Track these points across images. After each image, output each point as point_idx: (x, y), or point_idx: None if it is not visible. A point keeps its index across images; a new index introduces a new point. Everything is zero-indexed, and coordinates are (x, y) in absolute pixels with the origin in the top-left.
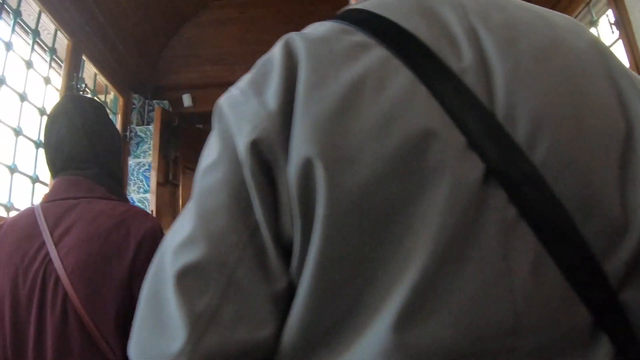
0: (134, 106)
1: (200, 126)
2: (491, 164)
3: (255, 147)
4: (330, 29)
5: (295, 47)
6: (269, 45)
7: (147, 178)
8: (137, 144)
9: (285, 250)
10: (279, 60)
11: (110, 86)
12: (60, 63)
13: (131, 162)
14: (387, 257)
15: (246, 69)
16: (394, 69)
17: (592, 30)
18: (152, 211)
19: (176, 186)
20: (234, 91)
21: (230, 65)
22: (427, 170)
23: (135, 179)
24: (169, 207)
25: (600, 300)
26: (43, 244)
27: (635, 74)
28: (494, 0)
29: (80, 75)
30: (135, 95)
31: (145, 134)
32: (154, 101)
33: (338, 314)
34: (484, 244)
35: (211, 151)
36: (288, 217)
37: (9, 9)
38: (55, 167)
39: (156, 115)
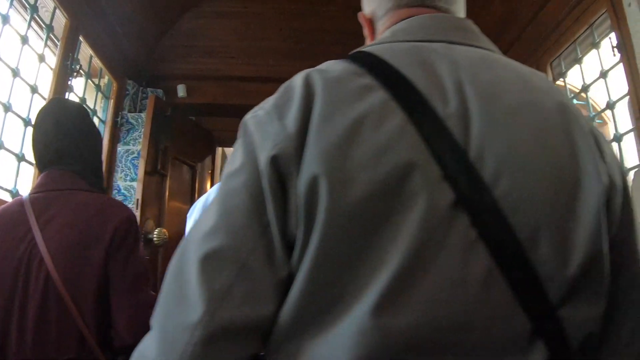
0: (127, 92)
1: (193, 118)
2: (460, 193)
3: (275, 161)
4: (344, 70)
5: (314, 82)
6: (267, 41)
7: (135, 166)
8: (128, 130)
9: (289, 246)
10: (299, 90)
11: (105, 70)
12: (56, 42)
13: (120, 148)
14: (370, 258)
15: (243, 64)
16: (391, 110)
17: (593, 52)
18: (137, 200)
19: (164, 176)
20: (259, 112)
21: (227, 58)
22: (408, 193)
23: (123, 166)
24: (156, 196)
25: (539, 312)
26: (29, 229)
27: (598, 133)
28: (485, 59)
29: (75, 56)
30: (130, 82)
31: (137, 121)
32: (148, 89)
33: (327, 300)
34: (448, 255)
35: (236, 159)
36: (294, 220)
37: None
38: (43, 163)
39: (149, 103)
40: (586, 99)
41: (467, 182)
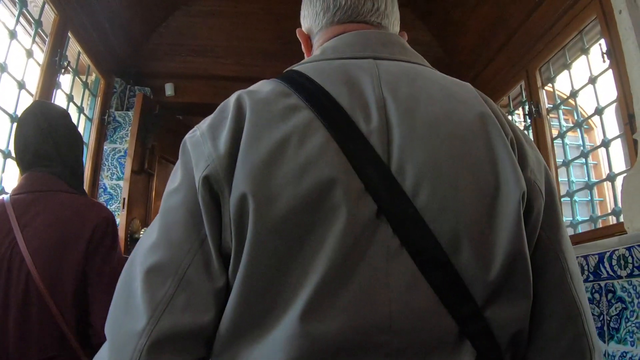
0: (114, 90)
1: (181, 117)
2: (382, 204)
3: (207, 180)
4: (272, 91)
5: (244, 104)
6: (256, 41)
7: (121, 165)
8: (115, 129)
9: (225, 257)
10: (231, 113)
11: (92, 67)
12: (44, 37)
13: (106, 147)
14: (297, 268)
15: (232, 64)
16: (315, 129)
17: (583, 58)
18: (124, 199)
19: (151, 175)
20: (197, 132)
21: (215, 58)
22: (330, 207)
23: (110, 164)
24: (142, 195)
25: (465, 314)
26: (10, 230)
27: (524, 141)
28: (408, 73)
29: (64, 52)
30: (117, 79)
31: (124, 119)
32: (136, 87)
33: (260, 308)
34: (371, 263)
35: (176, 178)
36: (229, 233)
37: None
38: (23, 164)
39: (137, 101)
40: (575, 105)
41: (388, 194)
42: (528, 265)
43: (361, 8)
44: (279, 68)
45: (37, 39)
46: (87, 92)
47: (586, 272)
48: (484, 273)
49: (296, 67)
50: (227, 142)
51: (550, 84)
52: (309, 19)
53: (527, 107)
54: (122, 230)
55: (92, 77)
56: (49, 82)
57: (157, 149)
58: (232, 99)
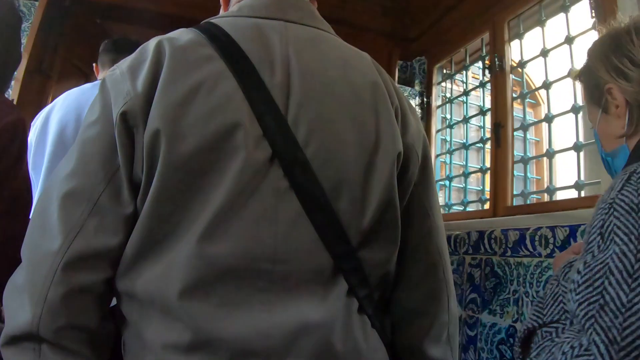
0: None
1: (99, 21)
2: (276, 149)
3: (124, 116)
4: (190, 40)
5: (163, 50)
6: None
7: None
8: None
9: (135, 187)
10: (150, 56)
11: None
12: None
13: None
14: (198, 199)
15: None
16: (225, 78)
17: (561, 16)
18: (12, 100)
19: (49, 78)
20: (116, 71)
21: None
22: (231, 148)
23: None
24: (36, 98)
25: (341, 252)
26: None
27: (408, 110)
28: (313, 39)
29: None
30: None
31: (30, 10)
32: None
33: (163, 232)
34: (261, 199)
35: (94, 112)
36: (140, 165)
37: None
38: None
39: None
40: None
41: (283, 141)
42: (397, 215)
43: None
44: None
45: None
46: None
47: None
48: (359, 218)
49: (214, 19)
50: (145, 82)
51: (518, 40)
52: None
53: (486, 61)
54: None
55: None
56: None
57: (61, 49)
58: (152, 43)
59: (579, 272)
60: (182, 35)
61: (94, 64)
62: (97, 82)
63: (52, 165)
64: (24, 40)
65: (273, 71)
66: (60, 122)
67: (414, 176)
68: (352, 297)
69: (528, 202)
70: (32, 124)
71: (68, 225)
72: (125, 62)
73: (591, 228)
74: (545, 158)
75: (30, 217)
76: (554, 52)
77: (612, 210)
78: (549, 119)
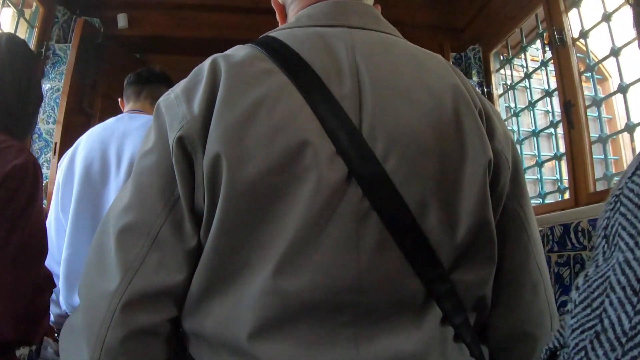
0: (56, 20)
1: (138, 55)
2: (352, 167)
3: (181, 141)
4: (247, 55)
5: (219, 68)
6: None
7: (59, 105)
8: (54, 64)
9: (197, 218)
10: (206, 76)
11: None
12: None
13: (44, 86)
14: (269, 228)
15: None
16: (288, 93)
17: None
18: (55, 144)
19: (91, 116)
20: (171, 95)
21: None
22: (301, 169)
23: (46, 106)
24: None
25: (432, 276)
26: None
27: (492, 113)
28: (382, 43)
29: None
30: (60, 8)
31: (65, 53)
32: (83, 18)
33: (233, 266)
34: (341, 225)
35: (150, 140)
36: (201, 194)
37: None
38: None
39: (77, 28)
40: (609, 29)
41: (359, 157)
42: (493, 230)
43: None
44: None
45: None
46: (22, 21)
47: None
48: (450, 237)
49: (271, 33)
50: (201, 104)
51: (575, 9)
52: None
53: (545, 38)
54: (52, 183)
55: (33, 8)
56: None
57: (100, 85)
58: (207, 62)
59: (577, 289)
60: (238, 51)
61: (119, 99)
62: (121, 116)
63: (78, 207)
64: (61, 83)
65: (341, 81)
66: (85, 160)
67: (505, 186)
68: (448, 325)
69: (612, 185)
70: (58, 165)
71: (126, 263)
72: (179, 85)
73: (597, 229)
74: (624, 134)
75: (44, 264)
76: (617, 15)
77: (618, 205)
78: (623, 89)
